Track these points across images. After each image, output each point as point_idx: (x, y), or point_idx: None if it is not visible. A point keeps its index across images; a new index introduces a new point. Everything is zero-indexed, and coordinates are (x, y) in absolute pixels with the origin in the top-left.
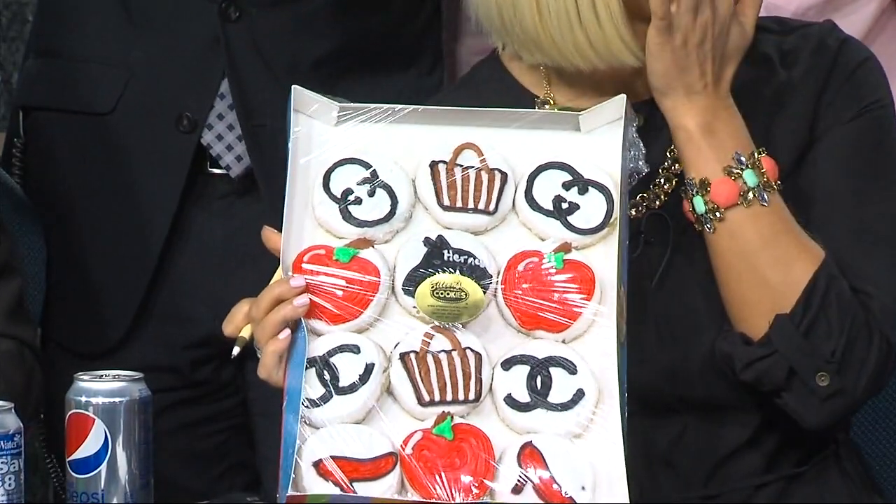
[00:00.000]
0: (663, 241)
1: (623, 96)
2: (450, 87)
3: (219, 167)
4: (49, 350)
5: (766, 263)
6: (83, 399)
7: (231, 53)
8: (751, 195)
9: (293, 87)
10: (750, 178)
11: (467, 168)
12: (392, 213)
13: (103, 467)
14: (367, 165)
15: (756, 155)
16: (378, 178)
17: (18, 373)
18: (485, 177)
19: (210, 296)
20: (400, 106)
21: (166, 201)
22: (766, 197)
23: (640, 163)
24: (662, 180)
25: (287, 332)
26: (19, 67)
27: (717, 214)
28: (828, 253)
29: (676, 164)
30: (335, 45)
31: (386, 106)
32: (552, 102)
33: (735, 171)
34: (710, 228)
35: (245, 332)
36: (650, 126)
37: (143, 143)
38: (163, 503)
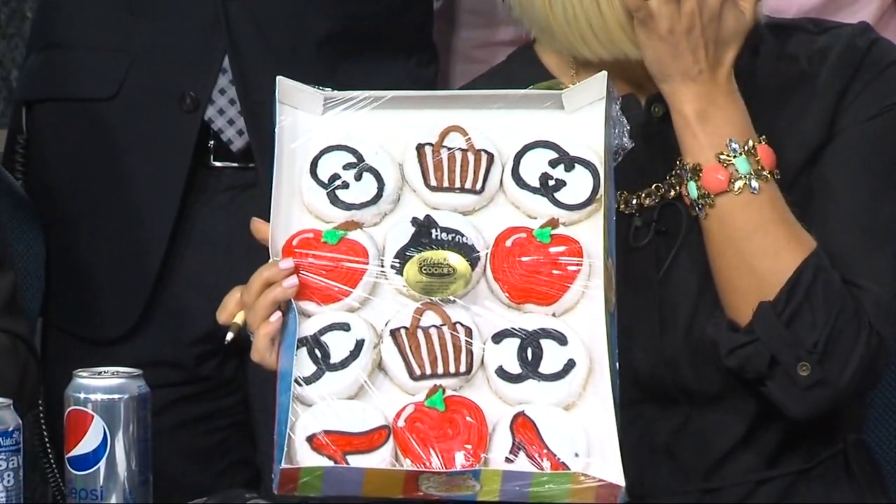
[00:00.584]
0: (675, 231)
1: (604, 73)
2: (483, 74)
3: (221, 158)
4: (55, 341)
5: (753, 251)
6: (82, 395)
7: (232, 32)
8: (740, 182)
9: (278, 77)
10: (742, 165)
11: (453, 149)
12: (379, 196)
13: (102, 464)
14: (353, 151)
15: (752, 143)
16: (364, 161)
17: (12, 367)
18: (471, 157)
19: (213, 290)
20: (384, 92)
21: (172, 187)
22: (755, 185)
23: (625, 139)
24: (679, 171)
25: (278, 314)
26: (18, 64)
27: (708, 200)
28: (819, 244)
29: None
30: (336, 28)
31: (370, 93)
32: None
33: (727, 157)
34: (702, 214)
35: (238, 318)
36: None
37: (146, 126)
38: (163, 500)
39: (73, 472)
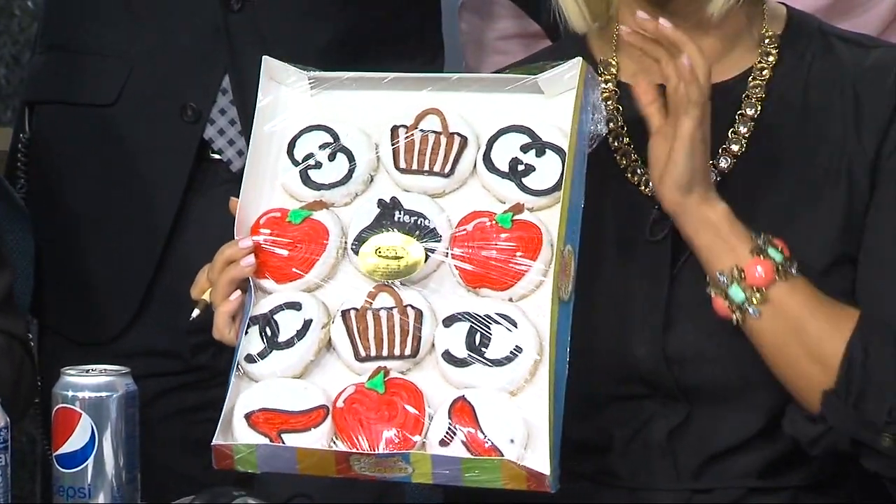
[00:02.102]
0: None
1: (579, 59)
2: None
3: (219, 152)
4: (51, 342)
5: (813, 337)
6: (69, 394)
7: (232, 44)
8: (784, 268)
9: (264, 57)
10: (775, 253)
11: (426, 132)
12: (349, 177)
13: (90, 462)
14: (330, 131)
15: (765, 233)
16: (339, 141)
17: (6, 366)
18: (443, 140)
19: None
20: (368, 74)
21: (170, 193)
22: (793, 268)
23: (600, 126)
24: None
25: (238, 293)
26: (7, 62)
27: (758, 297)
28: (862, 309)
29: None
30: (337, 35)
31: (355, 74)
32: (615, 67)
33: (761, 247)
34: (754, 313)
35: (206, 296)
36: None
37: (146, 134)
38: (157, 488)
39: (61, 470)
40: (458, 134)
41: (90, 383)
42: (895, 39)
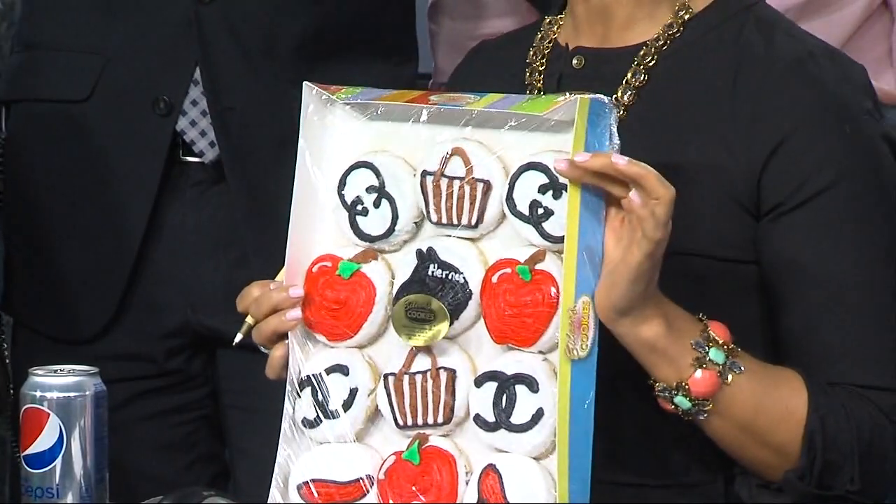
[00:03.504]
0: None
1: (577, 97)
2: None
3: (192, 154)
4: (25, 341)
5: (768, 425)
6: (38, 394)
7: (203, 36)
8: (727, 372)
9: (305, 84)
10: (717, 356)
11: (452, 179)
12: (392, 230)
13: (58, 462)
14: (375, 170)
15: (706, 328)
16: (385, 188)
17: None
18: (467, 189)
19: (183, 284)
20: (400, 103)
21: (144, 189)
22: (738, 364)
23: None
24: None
25: (285, 343)
26: None
27: (706, 405)
28: (808, 382)
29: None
30: (312, 29)
31: (389, 101)
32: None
33: (703, 359)
34: (703, 417)
35: (250, 319)
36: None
37: (119, 129)
38: (129, 492)
39: (29, 470)
40: (480, 179)
41: (59, 383)
42: (867, 39)
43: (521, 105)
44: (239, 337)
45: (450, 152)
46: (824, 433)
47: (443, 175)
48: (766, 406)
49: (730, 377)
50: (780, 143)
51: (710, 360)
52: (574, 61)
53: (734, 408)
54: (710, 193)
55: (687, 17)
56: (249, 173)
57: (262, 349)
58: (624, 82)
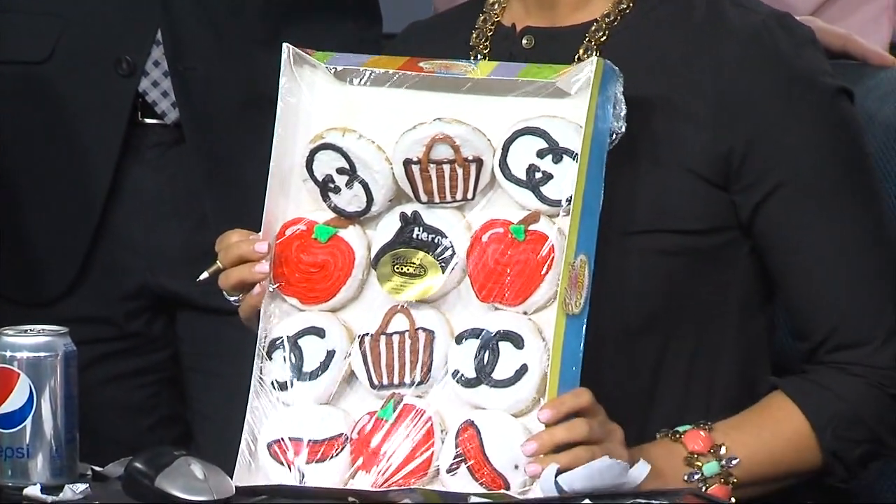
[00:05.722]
0: None
1: (594, 59)
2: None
3: (153, 115)
4: None
5: (786, 462)
6: (7, 354)
7: None
8: (728, 477)
9: (284, 45)
10: (711, 470)
11: (441, 163)
12: (367, 210)
13: (28, 422)
14: (343, 154)
15: (687, 452)
16: (356, 172)
17: None
18: (459, 170)
19: (142, 246)
20: (393, 70)
21: (107, 150)
22: (732, 458)
23: (621, 123)
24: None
25: (257, 289)
26: None
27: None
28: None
29: None
30: None
31: (376, 67)
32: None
33: (703, 480)
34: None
35: (219, 263)
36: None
37: (81, 91)
38: (92, 455)
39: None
40: (471, 159)
41: (28, 343)
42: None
43: (525, 72)
44: (205, 275)
45: (431, 139)
46: (832, 424)
47: (430, 162)
48: (776, 450)
49: (731, 478)
50: (749, 121)
51: (707, 478)
52: (524, 41)
53: (753, 478)
54: (674, 166)
55: None
56: (210, 135)
57: (225, 295)
58: (576, 59)
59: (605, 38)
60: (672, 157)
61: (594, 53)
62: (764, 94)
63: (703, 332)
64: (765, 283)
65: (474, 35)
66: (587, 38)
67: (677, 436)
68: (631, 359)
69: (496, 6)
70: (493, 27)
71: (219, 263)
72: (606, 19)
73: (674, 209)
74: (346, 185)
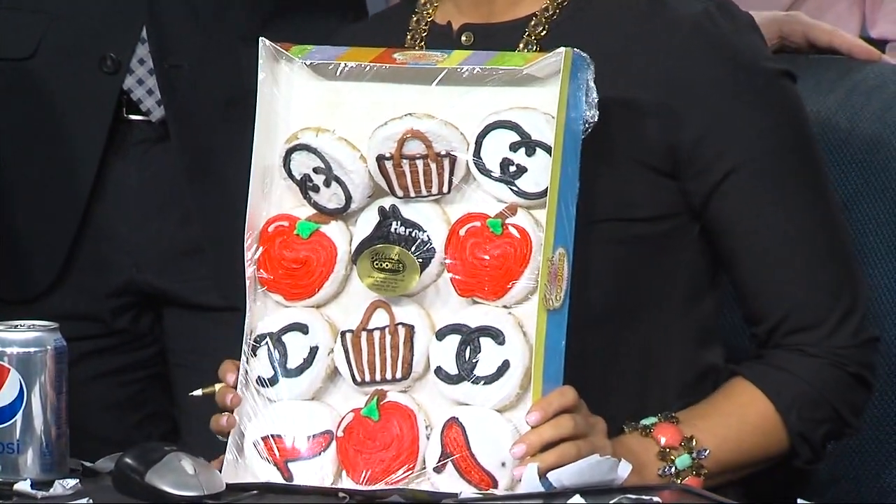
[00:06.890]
0: None
1: (562, 49)
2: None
3: (138, 112)
4: None
5: (754, 446)
6: None
7: None
8: (700, 468)
9: (261, 39)
10: (683, 463)
11: (413, 158)
12: (346, 208)
13: (18, 417)
14: (320, 156)
15: (660, 444)
16: (332, 172)
17: None
18: (432, 165)
19: (128, 243)
20: (366, 63)
21: (91, 147)
22: (702, 450)
23: (593, 111)
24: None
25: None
26: None
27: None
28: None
29: None
30: None
31: (350, 60)
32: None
33: (675, 473)
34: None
35: (217, 386)
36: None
37: (66, 87)
38: (79, 452)
39: None
40: (444, 154)
41: (18, 338)
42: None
43: (495, 60)
44: (198, 392)
45: (402, 135)
46: (796, 405)
47: (402, 157)
48: (744, 436)
49: (703, 469)
50: (696, 109)
51: (680, 471)
52: (463, 38)
53: (722, 467)
54: (621, 157)
55: None
56: (194, 132)
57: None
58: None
59: (544, 32)
60: (618, 147)
61: (535, 47)
62: (709, 81)
63: (654, 320)
64: (712, 266)
65: (408, 36)
66: (526, 33)
67: (647, 431)
68: (587, 348)
69: (428, 6)
70: (426, 27)
71: (215, 387)
72: (546, 14)
73: (623, 198)
74: (324, 184)
